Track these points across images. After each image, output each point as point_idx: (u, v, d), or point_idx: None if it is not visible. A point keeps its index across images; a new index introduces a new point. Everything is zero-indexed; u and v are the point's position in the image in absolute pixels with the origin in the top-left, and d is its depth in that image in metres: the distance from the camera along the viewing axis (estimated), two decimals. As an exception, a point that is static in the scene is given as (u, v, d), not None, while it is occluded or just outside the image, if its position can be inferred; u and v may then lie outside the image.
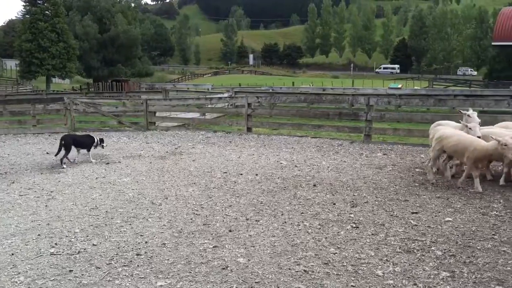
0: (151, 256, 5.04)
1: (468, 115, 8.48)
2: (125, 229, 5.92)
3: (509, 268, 4.59)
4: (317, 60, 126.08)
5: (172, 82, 69.96)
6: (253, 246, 5.27)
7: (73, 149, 10.65)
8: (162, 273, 4.61)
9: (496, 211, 6.47)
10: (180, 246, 5.30)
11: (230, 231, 5.80)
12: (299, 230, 5.82)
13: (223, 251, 5.15)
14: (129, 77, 59.85)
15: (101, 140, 11.22)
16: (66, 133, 12.80)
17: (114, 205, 7.04)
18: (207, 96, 20.30)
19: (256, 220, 6.21)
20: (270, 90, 31.57)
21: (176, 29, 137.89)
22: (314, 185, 8.10)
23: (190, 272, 4.62)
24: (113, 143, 13.62)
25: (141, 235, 5.69)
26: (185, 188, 8.05)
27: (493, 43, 24.00)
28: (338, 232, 5.71)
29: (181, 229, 5.90)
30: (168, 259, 4.94)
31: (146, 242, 5.44)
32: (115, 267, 4.77)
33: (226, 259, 4.92)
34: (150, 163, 10.44)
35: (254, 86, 48.10)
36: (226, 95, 23.10)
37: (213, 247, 5.26)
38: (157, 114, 17.47)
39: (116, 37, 58.30)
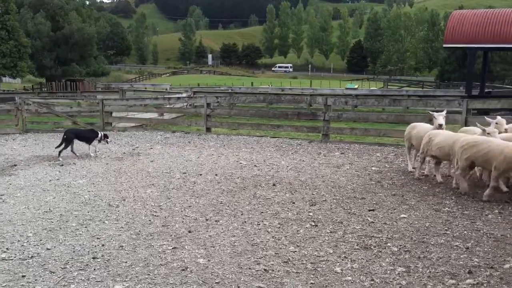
0: (108, 259, 4.92)
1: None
2: (81, 232, 5.76)
3: (461, 262, 4.76)
4: (276, 61, 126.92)
5: (129, 82, 68.67)
6: (213, 247, 5.24)
7: (77, 143, 11.15)
8: (120, 276, 4.52)
9: (448, 207, 6.70)
10: (138, 248, 5.21)
11: (189, 231, 5.74)
12: (259, 229, 5.83)
13: (182, 252, 5.09)
14: (84, 77, 58.37)
15: (105, 136, 11.48)
16: (70, 128, 12.95)
17: (69, 207, 6.84)
18: (165, 96, 20.04)
19: (216, 220, 6.18)
20: (229, 90, 31.56)
21: (133, 28, 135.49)
22: (274, 185, 8.14)
23: (148, 274, 4.54)
24: (68, 144, 13.23)
25: (97, 238, 5.55)
26: (143, 189, 7.92)
27: (444, 45, 24.79)
28: (297, 231, 5.76)
29: (139, 231, 5.80)
30: (126, 262, 4.84)
31: (103, 245, 5.31)
32: (71, 271, 4.63)
33: (185, 260, 4.87)
34: (107, 164, 10.21)
35: (213, 86, 47.93)
36: (184, 95, 22.90)
37: (173, 248, 5.20)
38: (113, 114, 17.11)
39: (70, 35, 56.68)
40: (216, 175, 8.95)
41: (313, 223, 6.02)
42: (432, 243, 5.31)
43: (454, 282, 4.29)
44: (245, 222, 6.11)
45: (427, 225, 5.92)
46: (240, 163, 10.14)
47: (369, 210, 6.59)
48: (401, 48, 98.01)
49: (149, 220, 6.21)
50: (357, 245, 5.26)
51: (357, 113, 17.83)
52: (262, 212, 6.54)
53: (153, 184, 8.26)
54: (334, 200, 7.13)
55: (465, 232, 5.67)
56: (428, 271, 4.56)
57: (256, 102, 23.22)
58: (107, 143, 11.72)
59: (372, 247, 5.21)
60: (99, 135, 11.31)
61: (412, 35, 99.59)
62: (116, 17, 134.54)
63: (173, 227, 5.94)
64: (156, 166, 9.87)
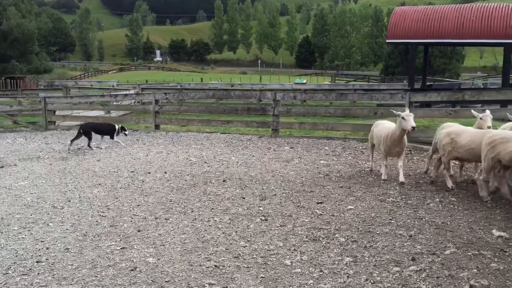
0: (53, 262, 4.76)
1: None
2: (24, 236, 5.53)
3: (405, 250, 4.94)
4: (225, 57, 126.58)
5: (73, 79, 66.38)
6: (163, 245, 5.18)
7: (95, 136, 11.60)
8: (66, 279, 4.38)
9: (393, 198, 6.94)
10: (85, 250, 5.07)
11: (138, 231, 5.65)
12: (209, 226, 5.82)
13: (131, 252, 5.00)
14: (25, 74, 55.86)
15: (123, 128, 11.87)
16: (87, 122, 13.03)
17: (10, 211, 6.55)
18: (112, 93, 19.57)
19: (165, 219, 6.11)
20: (178, 87, 31.17)
21: (76, 23, 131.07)
22: (224, 181, 8.14)
23: (96, 276, 4.43)
24: (8, 144, 12.68)
25: (41, 241, 5.35)
26: (89, 189, 7.70)
27: (387, 41, 25.58)
28: (248, 226, 5.79)
29: (86, 232, 5.64)
30: (72, 265, 4.70)
31: (47, 248, 5.13)
32: (13, 276, 4.44)
33: (134, 260, 4.79)
34: (51, 164, 9.85)
35: (162, 82, 47.12)
36: (132, 92, 22.45)
37: (121, 248, 5.10)
38: (57, 112, 16.53)
39: (9, 31, 54.10)
40: (165, 172, 8.84)
41: (263, 218, 6.07)
42: (377, 232, 5.48)
43: (399, 269, 4.45)
44: (195, 219, 6.08)
45: (372, 215, 6.10)
46: (190, 160, 10.06)
47: (318, 203, 6.72)
48: (347, 44, 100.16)
49: (96, 221, 6.06)
50: (306, 238, 5.35)
51: (306, 108, 18.13)
52: (212, 209, 6.52)
53: (100, 184, 8.05)
54: (284, 194, 7.21)
55: (409, 220, 5.89)
56: (374, 259, 4.71)
57: (205, 98, 23.09)
58: (126, 135, 12.10)
59: (320, 238, 5.31)
60: (116, 128, 11.68)
61: (357, 31, 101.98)
62: (58, 12, 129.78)
63: (121, 227, 5.82)
64: (103, 165, 9.62)
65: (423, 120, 13.33)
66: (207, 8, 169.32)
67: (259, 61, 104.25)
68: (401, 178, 7.63)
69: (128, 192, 7.47)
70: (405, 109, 7.80)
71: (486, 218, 5.94)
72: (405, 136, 7.83)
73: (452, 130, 7.43)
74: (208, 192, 7.38)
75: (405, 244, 5.11)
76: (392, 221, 5.87)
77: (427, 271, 4.41)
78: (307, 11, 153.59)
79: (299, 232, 5.53)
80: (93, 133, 11.52)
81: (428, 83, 29.01)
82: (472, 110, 8.40)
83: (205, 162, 9.78)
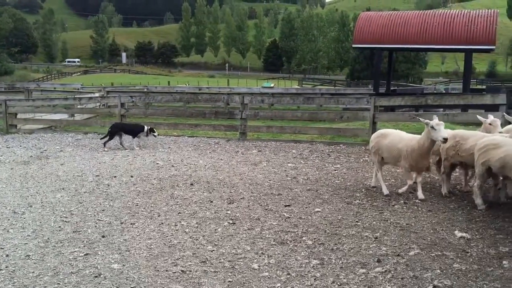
0: (13, 270, 4.60)
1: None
2: (-18, 243, 5.33)
3: (371, 252, 5.01)
4: (193, 60, 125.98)
5: (36, 81, 64.73)
6: (128, 251, 5.08)
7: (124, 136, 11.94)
8: (26, 287, 4.24)
9: (359, 200, 7.03)
10: (47, 257, 4.92)
11: (103, 236, 5.53)
12: (176, 230, 5.75)
13: (95, 258, 4.89)
14: (-15, 76, 54.10)
15: (151, 130, 11.90)
16: (116, 122, 13.26)
17: (-33, 217, 6.30)
18: (76, 96, 19.14)
19: (131, 223, 6.00)
20: (145, 90, 30.82)
21: (39, 24, 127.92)
22: (192, 184, 8.07)
23: (58, 283, 4.31)
24: (-34, 148, 12.22)
25: (1, 248, 5.16)
26: (52, 194, 7.50)
27: (353, 46, 25.99)
28: (215, 230, 5.75)
29: (48, 238, 5.48)
30: (33, 272, 4.55)
31: (7, 255, 4.96)
32: (-30, 286, 4.27)
33: (99, 266, 4.68)
34: (12, 169, 9.54)
35: (128, 85, 46.55)
36: (97, 94, 22.03)
37: (85, 254, 4.97)
38: (18, 116, 16.04)
39: (-32, 31, 52.28)
40: (131, 176, 8.69)
41: (231, 221, 6.04)
42: (344, 234, 5.54)
43: (365, 271, 4.50)
44: (162, 223, 6.00)
45: (339, 218, 6.16)
46: (157, 163, 9.93)
47: (285, 206, 6.74)
48: (314, 48, 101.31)
49: (59, 227, 5.89)
50: (273, 241, 5.35)
51: (274, 111, 18.20)
52: (179, 213, 6.45)
53: (63, 189, 7.84)
54: (252, 197, 7.21)
55: (374, 222, 5.98)
56: (340, 262, 4.75)
57: (173, 102, 22.88)
58: (155, 137, 12.18)
59: (288, 242, 5.33)
60: (145, 129, 11.80)
61: (324, 36, 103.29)
62: (20, 12, 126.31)
63: (85, 232, 5.68)
64: (67, 170, 9.39)
65: (388, 124, 13.56)
66: (175, 10, 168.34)
67: (227, 65, 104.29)
68: (420, 195, 6.91)
69: (93, 197, 7.30)
70: (434, 117, 6.81)
71: (449, 219, 6.09)
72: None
73: (456, 133, 7.13)
74: (175, 196, 7.30)
75: (370, 246, 5.18)
76: (358, 223, 5.95)
77: (392, 272, 4.48)
78: (274, 15, 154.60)
79: (267, 236, 5.53)
80: (122, 133, 11.95)
81: (392, 88, 29.61)
82: (478, 116, 8.12)
83: (173, 166, 9.68)
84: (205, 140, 13.19)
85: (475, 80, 61.74)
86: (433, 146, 6.79)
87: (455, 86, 46.27)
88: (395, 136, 7.24)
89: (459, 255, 4.88)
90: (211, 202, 6.97)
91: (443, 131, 6.41)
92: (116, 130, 11.85)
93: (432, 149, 6.85)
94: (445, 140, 6.38)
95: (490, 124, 7.24)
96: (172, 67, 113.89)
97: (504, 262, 4.67)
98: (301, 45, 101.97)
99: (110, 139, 11.85)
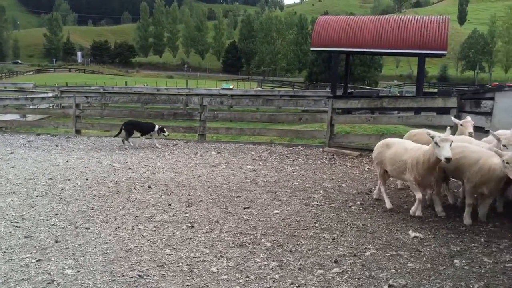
0: (-41, 279, 4.38)
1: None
2: None
3: (328, 253, 5.07)
4: (151, 60, 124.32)
5: (-15, 80, 62.14)
6: (83, 256, 4.94)
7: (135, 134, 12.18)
8: (-26, 297, 4.05)
9: (317, 201, 7.12)
10: (-4, 264, 4.72)
11: (56, 241, 5.35)
12: (133, 234, 5.64)
13: (48, 264, 4.72)
14: None
15: (162, 130, 12.08)
16: (129, 119, 13.18)
17: None
18: (28, 96, 18.48)
19: (86, 228, 5.84)
20: (101, 90, 30.14)
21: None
22: (149, 187, 7.94)
23: (8, 292, 4.14)
24: None
25: None
26: (2, 198, 7.19)
27: (311, 48, 26.36)
28: (173, 233, 5.68)
29: (-2, 245, 5.25)
30: (-19, 281, 4.35)
31: (-48, 264, 4.72)
32: None
33: (52, 272, 4.52)
34: (-42, 172, 9.10)
35: (83, 85, 45.33)
36: (50, 95, 21.35)
37: (37, 261, 4.80)
38: (-34, 116, 15.34)
39: None
40: (86, 179, 8.47)
41: (189, 224, 5.98)
42: (302, 236, 5.59)
43: (322, 272, 4.56)
44: (118, 227, 5.87)
45: (298, 219, 6.22)
46: (113, 166, 9.72)
47: (245, 208, 6.74)
48: (273, 50, 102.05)
49: (10, 232, 5.66)
50: (232, 243, 5.34)
51: (233, 113, 18.17)
52: (137, 216, 6.34)
53: (14, 192, 7.55)
54: (211, 200, 7.17)
55: (332, 223, 6.06)
56: (299, 263, 4.79)
57: (130, 102, 22.45)
58: (165, 136, 12.34)
59: (247, 244, 5.33)
60: (156, 128, 11.98)
61: (283, 38, 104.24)
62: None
63: (37, 237, 5.49)
64: (18, 173, 9.04)
65: (345, 126, 13.84)
66: (132, 9, 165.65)
67: (185, 65, 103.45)
68: (439, 211, 6.30)
69: (46, 201, 7.06)
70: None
71: (403, 219, 6.25)
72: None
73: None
74: (132, 199, 7.17)
75: (328, 247, 5.25)
76: (316, 225, 6.02)
77: (349, 272, 4.56)
78: (234, 16, 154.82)
79: (226, 238, 5.51)
80: (135, 131, 12.14)
81: (349, 90, 30.22)
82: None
83: (130, 168, 9.50)
84: (163, 142, 13.02)
85: (428, 84, 63.92)
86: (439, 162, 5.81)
87: (408, 89, 47.71)
88: (400, 147, 6.45)
89: (413, 254, 5.02)
90: (169, 205, 6.89)
91: (447, 149, 5.45)
92: (129, 127, 12.06)
93: (438, 165, 5.97)
94: (447, 160, 5.43)
95: (461, 125, 7.10)
96: (130, 67, 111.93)
97: (455, 260, 4.83)
98: (260, 47, 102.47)
99: (129, 135, 12.13)
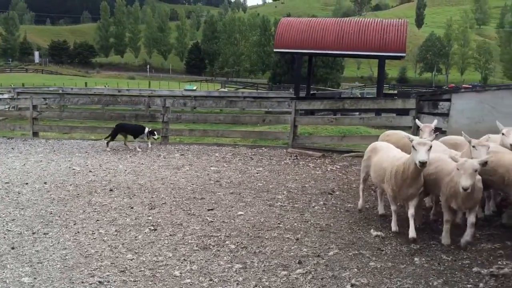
0: None
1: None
2: None
3: (292, 253, 5.10)
4: (112, 60, 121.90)
5: None
6: (41, 263, 4.78)
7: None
8: None
9: (281, 202, 7.15)
10: None
11: (12, 248, 5.16)
12: (94, 239, 5.51)
13: (3, 272, 4.55)
14: None
15: (151, 132, 11.90)
16: (121, 122, 13.01)
17: None
18: (-18, 97, 17.80)
19: (44, 233, 5.66)
20: (60, 91, 29.34)
21: None
22: (111, 190, 7.78)
23: (-40, 302, 3.96)
24: None
25: None
26: (-46, 204, 6.89)
27: (275, 50, 26.53)
28: (135, 237, 5.58)
29: (-51, 253, 5.02)
30: None
31: None
32: None
33: (7, 281, 4.36)
34: None
35: (41, 86, 43.97)
36: (6, 96, 20.64)
37: (-9, 269, 4.61)
38: None
39: None
40: (45, 183, 8.21)
41: (152, 228, 5.89)
42: (266, 237, 5.60)
43: (286, 273, 4.57)
44: (78, 232, 5.71)
45: (262, 221, 6.22)
46: (73, 169, 9.46)
47: (208, 210, 6.70)
48: (236, 51, 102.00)
49: (-38, 240, 5.42)
50: (196, 246, 5.29)
51: (196, 115, 18.06)
52: (97, 220, 6.19)
53: (-33, 198, 7.24)
54: (174, 202, 7.08)
55: (295, 224, 6.10)
56: (263, 265, 4.79)
57: (90, 104, 21.94)
58: (155, 140, 12.10)
59: (211, 246, 5.29)
60: (146, 131, 11.82)
61: (246, 39, 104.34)
62: None
63: (-8, 245, 5.28)
64: (-29, 177, 8.68)
65: (308, 127, 13.97)
66: (92, 9, 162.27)
67: (148, 66, 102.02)
68: (411, 233, 5.40)
69: (1, 206, 6.80)
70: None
71: (365, 218, 6.36)
72: (421, 173, 5.42)
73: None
74: (93, 203, 7.00)
75: (292, 247, 5.28)
76: (280, 225, 6.04)
77: (313, 273, 4.59)
78: (197, 17, 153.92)
79: (190, 241, 5.45)
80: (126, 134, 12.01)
81: (312, 92, 30.55)
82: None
83: (90, 171, 9.28)
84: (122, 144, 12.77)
85: (388, 85, 65.33)
86: (421, 171, 5.29)
87: (369, 90, 48.67)
88: (384, 153, 5.98)
89: (375, 253, 5.11)
90: (132, 208, 6.76)
91: (424, 153, 5.00)
92: (119, 130, 11.94)
93: (419, 175, 5.37)
94: (422, 164, 4.99)
95: (421, 129, 6.49)
96: (90, 68, 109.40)
97: (415, 259, 4.95)
98: (224, 48, 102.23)
99: (112, 139, 11.96)
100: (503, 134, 5.93)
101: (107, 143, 11.97)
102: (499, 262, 4.83)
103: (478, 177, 5.02)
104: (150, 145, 12.17)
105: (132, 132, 12.03)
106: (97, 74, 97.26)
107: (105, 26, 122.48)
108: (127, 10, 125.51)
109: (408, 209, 5.52)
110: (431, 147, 5.10)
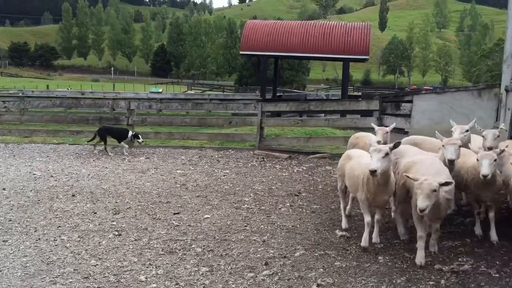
0: None
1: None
2: None
3: (259, 255, 5.11)
4: (75, 63, 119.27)
5: None
6: (0, 271, 4.63)
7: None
8: None
9: (247, 205, 7.15)
10: None
11: (-31, 257, 4.97)
12: (56, 245, 5.37)
13: (-41, 282, 4.38)
14: None
15: (135, 136, 11.60)
16: (104, 125, 12.55)
17: None
18: None
19: (3, 241, 5.47)
20: (20, 94, 28.47)
21: None
22: (73, 195, 7.60)
23: None
24: None
25: None
26: None
27: (241, 52, 26.58)
28: (99, 242, 5.47)
29: None
30: None
31: None
32: None
33: (-37, 291, 4.20)
34: None
35: (0, 89, 42.65)
36: (-37, 99, 19.86)
37: None
38: None
39: None
40: (3, 189, 7.94)
41: (116, 233, 5.79)
42: (233, 240, 5.59)
43: (253, 275, 4.57)
44: (39, 239, 5.55)
45: (228, 223, 6.21)
46: (34, 174, 9.20)
47: (174, 214, 6.63)
48: (203, 54, 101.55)
49: None
50: (162, 251, 5.23)
51: (162, 117, 17.87)
52: (59, 226, 6.04)
53: None
54: (139, 207, 6.98)
55: (262, 226, 6.11)
56: (229, 267, 4.78)
57: (52, 107, 21.35)
58: (140, 144, 11.81)
59: (177, 250, 5.24)
60: (129, 134, 11.54)
61: (212, 42, 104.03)
62: None
63: None
64: None
65: (274, 129, 14.05)
66: (54, 10, 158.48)
67: (112, 68, 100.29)
68: (375, 237, 5.43)
69: (-43, 214, 6.55)
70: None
71: (331, 219, 6.43)
72: (392, 177, 5.22)
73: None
74: (54, 209, 6.82)
75: (258, 249, 5.28)
76: (247, 228, 6.04)
77: (279, 274, 4.61)
78: (162, 19, 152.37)
79: (155, 246, 5.39)
80: (108, 137, 11.71)
81: (278, 94, 30.69)
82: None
83: (52, 176, 9.04)
84: (88, 148, 12.49)
85: (353, 87, 66.40)
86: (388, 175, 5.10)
87: (334, 92, 49.32)
88: (356, 160, 5.63)
89: (340, 253, 5.17)
90: (95, 213, 6.62)
91: (373, 160, 4.81)
92: (103, 133, 11.63)
93: (388, 182, 5.13)
94: (372, 172, 4.78)
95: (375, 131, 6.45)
96: (52, 70, 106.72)
97: (379, 257, 5.04)
98: (190, 50, 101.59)
99: (101, 141, 11.72)
100: (483, 136, 5.83)
101: (94, 146, 11.83)
102: (460, 259, 4.97)
103: (443, 193, 4.67)
104: (125, 150, 11.71)
105: (116, 135, 11.74)
106: (60, 77, 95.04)
107: (67, 28, 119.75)
108: (90, 11, 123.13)
109: (376, 214, 5.44)
110: (387, 154, 4.83)
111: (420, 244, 4.83)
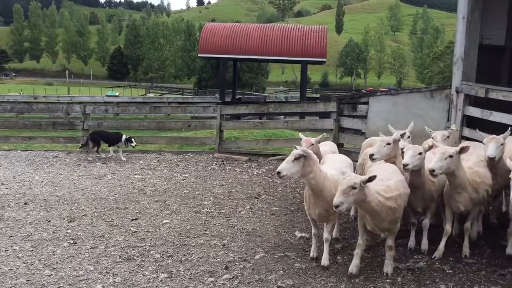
0: None
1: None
2: None
3: (219, 259, 5.07)
4: (27, 66, 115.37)
5: None
6: None
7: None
8: None
9: (207, 208, 7.09)
10: None
11: None
12: (7, 256, 5.16)
13: None
14: None
15: (128, 140, 11.24)
16: (96, 129, 12.30)
17: None
18: None
19: (-51, 254, 5.21)
20: (-32, 99, 27.33)
21: None
22: (26, 203, 7.33)
23: None
24: None
25: None
26: None
27: (199, 55, 26.47)
28: (53, 252, 5.29)
29: None
30: None
31: None
32: None
33: None
34: None
35: None
36: None
37: None
38: None
39: None
40: (-50, 199, 7.58)
41: (71, 241, 5.62)
42: (193, 244, 5.53)
43: (213, 280, 4.54)
44: (-11, 250, 5.32)
45: (188, 228, 6.14)
46: (-17, 182, 8.81)
47: (132, 220, 6.50)
48: (161, 56, 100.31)
49: None
50: (119, 258, 5.12)
51: (119, 121, 17.49)
52: (11, 236, 5.80)
53: None
54: (95, 214, 6.81)
55: (222, 230, 6.08)
56: (189, 273, 4.73)
57: (2, 112, 20.62)
58: (133, 147, 11.45)
59: (135, 257, 5.14)
60: (123, 138, 11.22)
61: (171, 44, 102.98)
62: None
63: None
64: None
65: (234, 132, 14.03)
66: (4, 11, 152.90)
67: (66, 72, 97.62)
68: (325, 260, 4.84)
69: None
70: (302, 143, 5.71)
71: (290, 221, 6.47)
72: (329, 188, 4.68)
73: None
74: (5, 218, 6.55)
75: (219, 253, 5.25)
76: (207, 232, 5.99)
77: (239, 277, 4.59)
78: (118, 21, 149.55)
79: (112, 253, 5.26)
80: (101, 141, 11.40)
81: (237, 96, 30.76)
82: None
83: (3, 184, 8.68)
84: (41, 154, 12.09)
85: (311, 89, 67.32)
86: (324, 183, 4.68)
87: (293, 94, 49.80)
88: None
89: (300, 254, 5.21)
90: (49, 221, 6.41)
91: (284, 166, 4.51)
92: (95, 138, 11.36)
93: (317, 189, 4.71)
94: (279, 174, 4.49)
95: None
96: (2, 74, 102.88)
97: (338, 257, 5.11)
98: (148, 53, 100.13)
99: (93, 147, 11.44)
100: (432, 138, 5.78)
101: (87, 151, 11.60)
102: (415, 257, 5.10)
103: (392, 203, 4.40)
104: (121, 155, 11.30)
105: (108, 140, 11.44)
106: (11, 81, 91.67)
107: (19, 30, 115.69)
108: (42, 13, 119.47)
109: (324, 232, 4.98)
110: (297, 158, 4.48)
111: (390, 254, 4.64)
